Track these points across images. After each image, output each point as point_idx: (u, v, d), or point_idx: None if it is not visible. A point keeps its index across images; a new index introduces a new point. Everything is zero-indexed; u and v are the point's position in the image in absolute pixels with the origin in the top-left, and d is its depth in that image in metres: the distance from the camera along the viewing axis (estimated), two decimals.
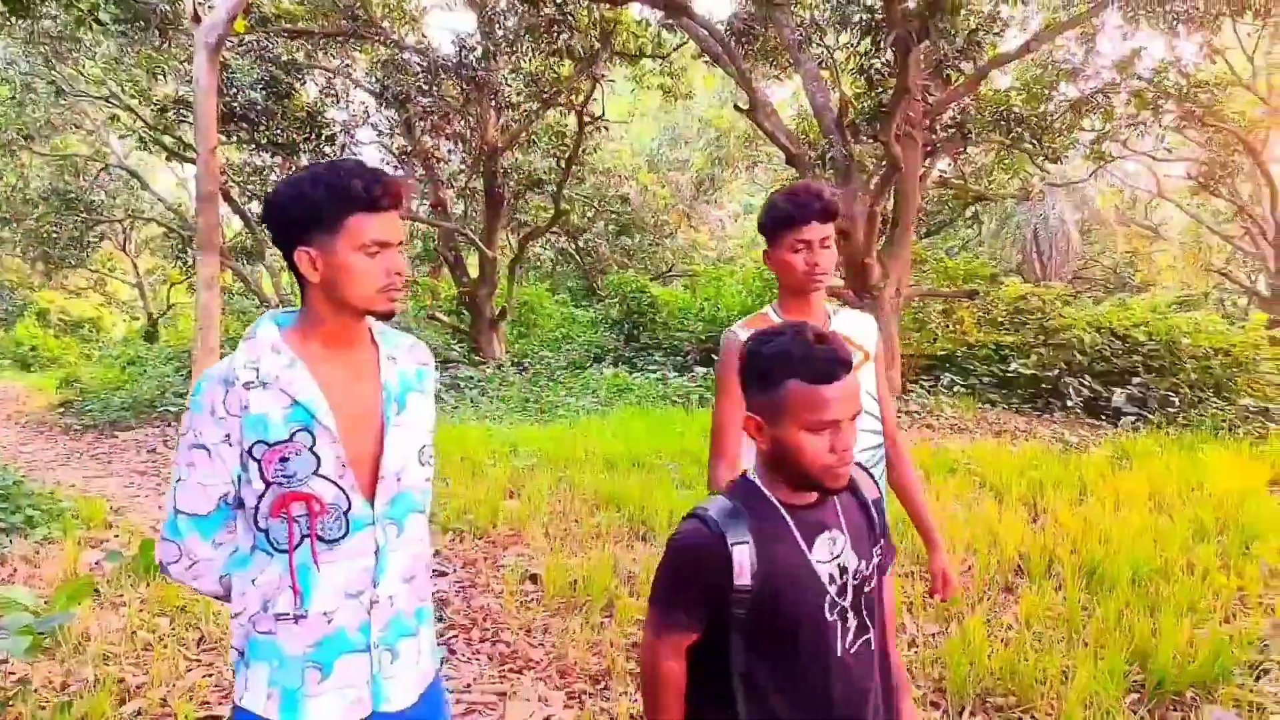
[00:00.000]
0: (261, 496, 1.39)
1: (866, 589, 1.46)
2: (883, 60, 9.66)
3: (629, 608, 3.91)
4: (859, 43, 9.65)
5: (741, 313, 14.47)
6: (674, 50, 14.18)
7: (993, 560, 4.55)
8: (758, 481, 1.46)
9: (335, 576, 1.41)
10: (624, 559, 4.72)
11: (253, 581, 1.42)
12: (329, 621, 1.42)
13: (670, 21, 11.74)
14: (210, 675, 3.35)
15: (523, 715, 3.02)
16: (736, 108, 10.83)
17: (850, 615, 1.42)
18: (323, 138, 14.81)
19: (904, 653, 3.51)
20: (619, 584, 4.28)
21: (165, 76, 13.99)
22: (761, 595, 1.37)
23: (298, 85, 14.33)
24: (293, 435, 1.38)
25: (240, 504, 1.43)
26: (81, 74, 16.25)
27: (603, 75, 13.77)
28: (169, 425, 11.26)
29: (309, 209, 1.38)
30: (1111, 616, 3.66)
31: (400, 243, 1.46)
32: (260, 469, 1.38)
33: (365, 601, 1.44)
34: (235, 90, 12.93)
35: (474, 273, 15.75)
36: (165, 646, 3.55)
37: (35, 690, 3.03)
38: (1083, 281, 30.10)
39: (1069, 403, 10.11)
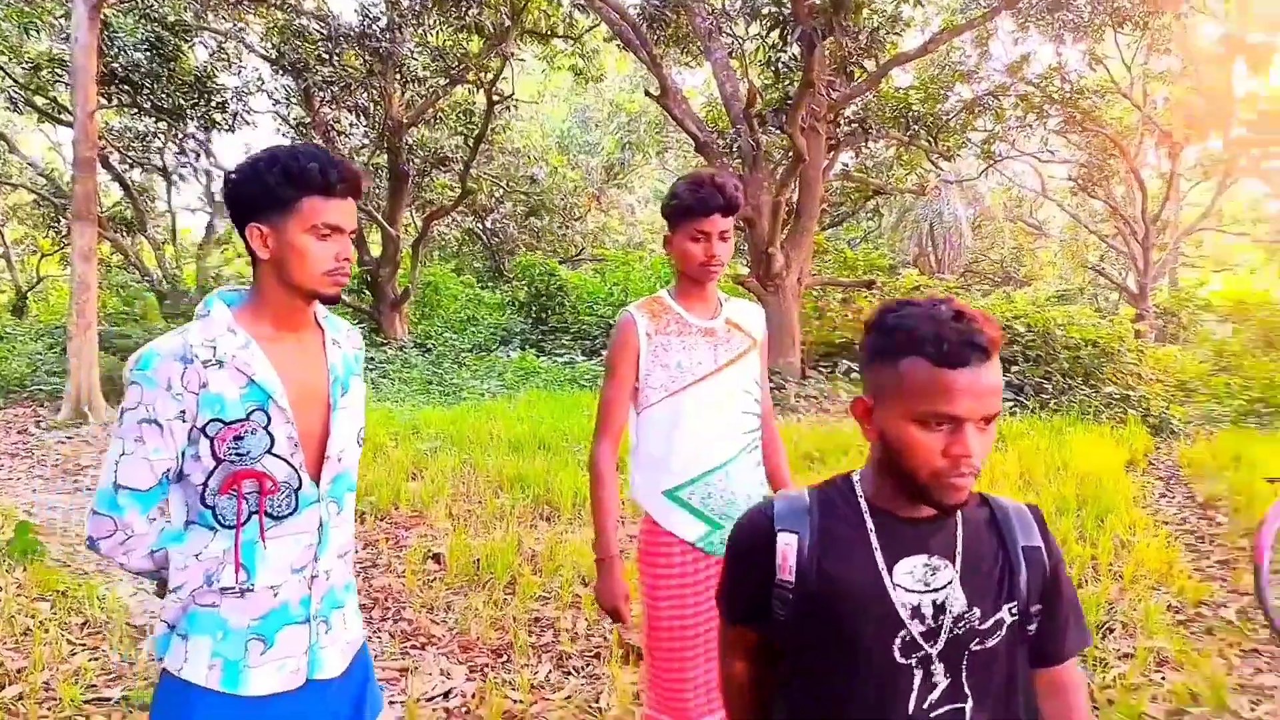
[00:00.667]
0: (211, 473, 1.40)
1: (975, 646, 1.15)
2: (789, 54, 9.92)
3: (531, 584, 3.97)
4: (767, 35, 9.88)
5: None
6: (586, 32, 14.14)
7: None
8: (855, 480, 1.24)
9: (282, 552, 1.45)
10: (528, 538, 4.78)
11: (196, 556, 1.42)
12: (275, 595, 1.45)
13: (582, 2, 11.71)
14: (96, 659, 3.24)
15: (425, 688, 3.05)
16: (647, 93, 10.92)
17: (937, 669, 1.15)
18: (212, 104, 14.12)
19: None
20: (522, 562, 4.34)
21: (39, 33, 13.02)
22: (810, 599, 1.18)
23: (185, 48, 13.60)
24: (249, 414, 1.40)
25: (179, 479, 1.43)
26: None
27: (512, 53, 13.60)
28: (40, 405, 10.61)
29: (264, 187, 1.41)
30: None
31: (352, 231, 1.48)
32: (212, 446, 1.39)
33: (307, 576, 1.48)
34: (117, 50, 12.19)
35: (376, 251, 15.35)
36: (46, 631, 3.41)
37: None
38: (974, 275, 31.69)
39: None
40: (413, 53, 13.79)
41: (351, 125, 15.42)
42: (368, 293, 15.42)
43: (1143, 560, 4.58)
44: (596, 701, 3.03)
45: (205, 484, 1.40)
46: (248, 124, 15.23)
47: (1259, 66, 22.00)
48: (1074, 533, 4.94)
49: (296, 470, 1.44)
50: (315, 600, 1.48)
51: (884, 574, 1.15)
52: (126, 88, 12.81)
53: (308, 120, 14.73)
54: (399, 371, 12.16)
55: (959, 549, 1.17)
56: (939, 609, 1.15)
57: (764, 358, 2.27)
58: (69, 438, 8.75)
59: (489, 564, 4.18)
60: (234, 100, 14.42)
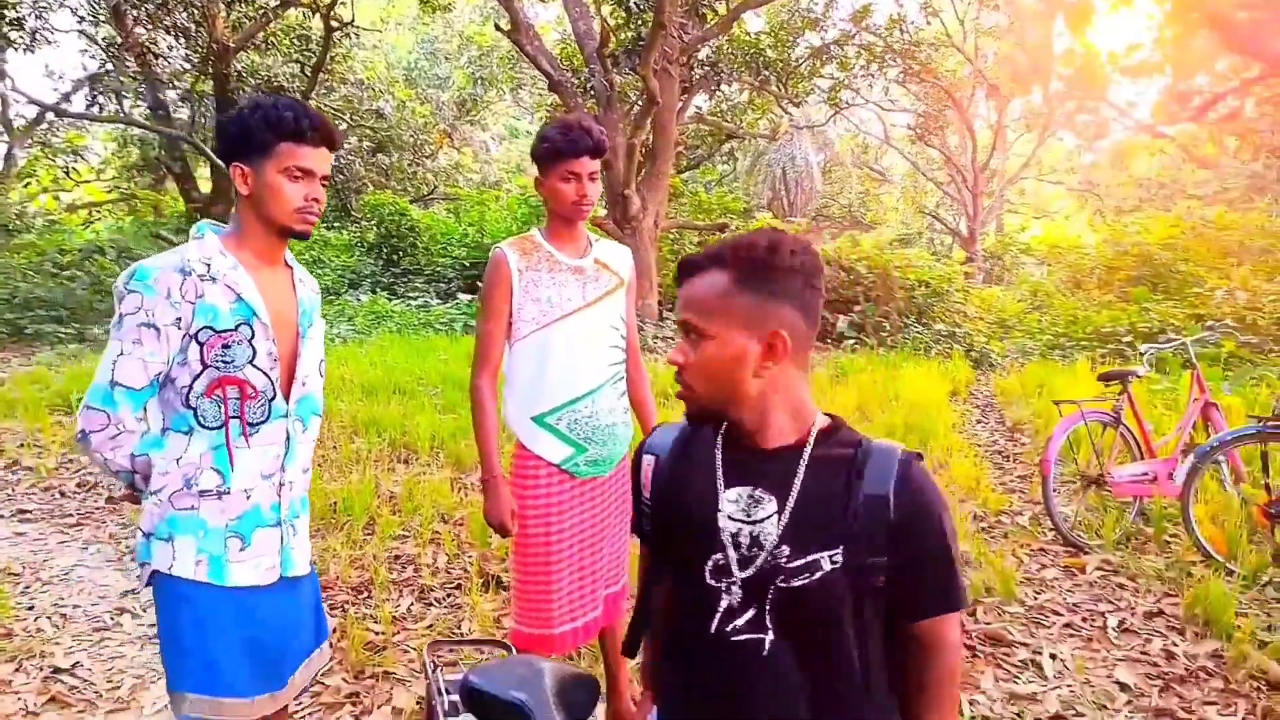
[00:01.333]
0: (197, 377, 1.57)
1: (780, 583, 1.15)
2: None
3: (390, 524, 4.01)
4: None
5: (507, 237, 14.49)
6: None
7: None
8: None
9: (254, 459, 1.64)
10: (386, 480, 4.78)
11: (176, 461, 1.59)
12: (248, 498, 1.64)
13: None
14: None
15: None
16: (497, 27, 10.62)
17: (739, 594, 1.17)
18: (6, 20, 12.55)
19: None
20: (380, 503, 4.35)
21: None
22: (660, 514, 1.29)
23: None
24: (237, 326, 1.59)
25: (165, 384, 1.59)
26: None
27: None
28: None
29: (245, 131, 1.60)
30: None
31: (324, 177, 1.67)
32: (201, 352, 1.56)
33: (275, 483, 1.68)
34: None
35: (205, 188, 14.30)
36: None
37: None
38: (824, 219, 33.10)
39: None
40: None
41: (170, 48, 14.13)
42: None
43: (954, 478, 5.13)
44: (459, 628, 3.15)
45: (190, 387, 1.57)
46: (49, 43, 13.63)
47: (1076, 25, 23.91)
48: None
49: (273, 383, 1.63)
50: (284, 506, 1.69)
51: (718, 499, 1.20)
52: None
53: (120, 41, 13.37)
54: None
55: (795, 486, 1.16)
56: (754, 540, 1.17)
57: (631, 296, 2.42)
58: None
59: (346, 507, 4.16)
60: (32, 16, 12.85)
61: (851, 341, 10.71)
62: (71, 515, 4.63)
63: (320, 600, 1.85)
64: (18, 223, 15.67)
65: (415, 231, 14.88)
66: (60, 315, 11.26)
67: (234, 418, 1.60)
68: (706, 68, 11.81)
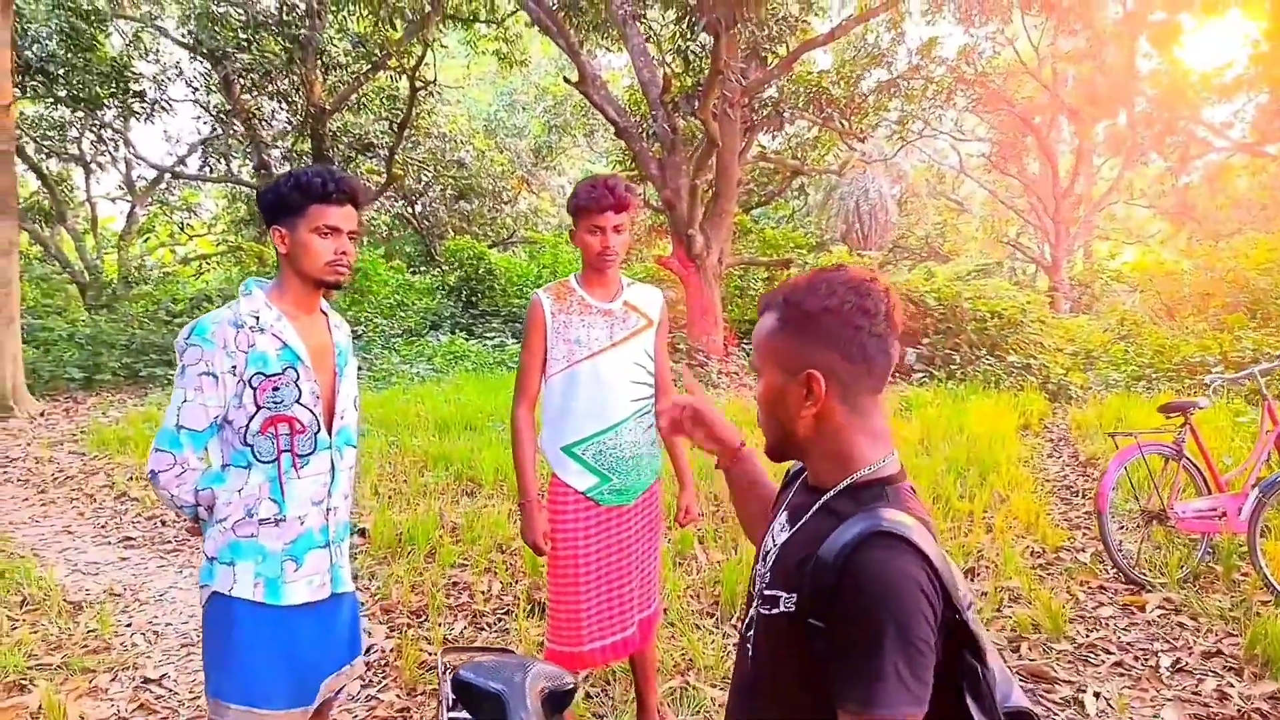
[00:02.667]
0: (252, 418, 1.78)
1: (759, 606, 1.21)
2: (698, 42, 10.21)
3: (450, 553, 4.23)
4: (676, 24, 10.15)
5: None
6: (508, 16, 14.19)
7: None
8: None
9: (305, 488, 1.85)
10: (450, 511, 5.03)
11: (237, 492, 1.80)
12: (301, 524, 1.84)
13: None
14: (35, 631, 3.41)
15: None
16: (566, 80, 11.08)
17: (755, 601, 1.24)
18: (130, 93, 13.81)
19: (692, 577, 4.05)
20: (443, 533, 4.59)
21: None
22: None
23: (101, 36, 13.23)
24: (284, 370, 1.80)
25: (224, 425, 1.79)
26: None
27: (434, 39, 13.59)
28: None
29: (280, 197, 1.82)
30: None
31: (352, 232, 1.87)
32: (255, 395, 1.77)
33: (324, 509, 1.89)
34: (30, 40, 11.84)
35: None
36: None
37: None
38: (901, 250, 32.64)
39: None
40: (332, 39, 13.68)
41: (273, 113, 15.22)
42: None
43: (1014, 512, 5.05)
44: None
45: (246, 426, 1.78)
46: (167, 112, 14.91)
47: (1162, 44, 23.15)
48: (956, 490, 5.40)
49: (317, 418, 1.85)
50: (331, 528, 1.90)
51: (773, 517, 1.30)
52: (42, 78, 12.44)
53: (228, 108, 14.49)
54: None
55: (801, 522, 1.19)
56: (766, 557, 1.23)
57: (662, 335, 2.59)
58: None
59: (410, 536, 4.42)
60: (152, 88, 14.11)
61: (920, 375, 10.56)
62: (170, 542, 5.04)
63: (357, 618, 2.05)
64: (136, 274, 16.95)
65: (493, 274, 15.44)
66: (171, 359, 12.12)
67: (285, 451, 1.80)
68: (769, 107, 11.99)
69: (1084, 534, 4.95)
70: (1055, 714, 2.90)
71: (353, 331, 10.66)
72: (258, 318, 1.81)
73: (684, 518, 2.67)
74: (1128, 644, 3.44)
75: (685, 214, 10.50)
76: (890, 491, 1.15)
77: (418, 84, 14.17)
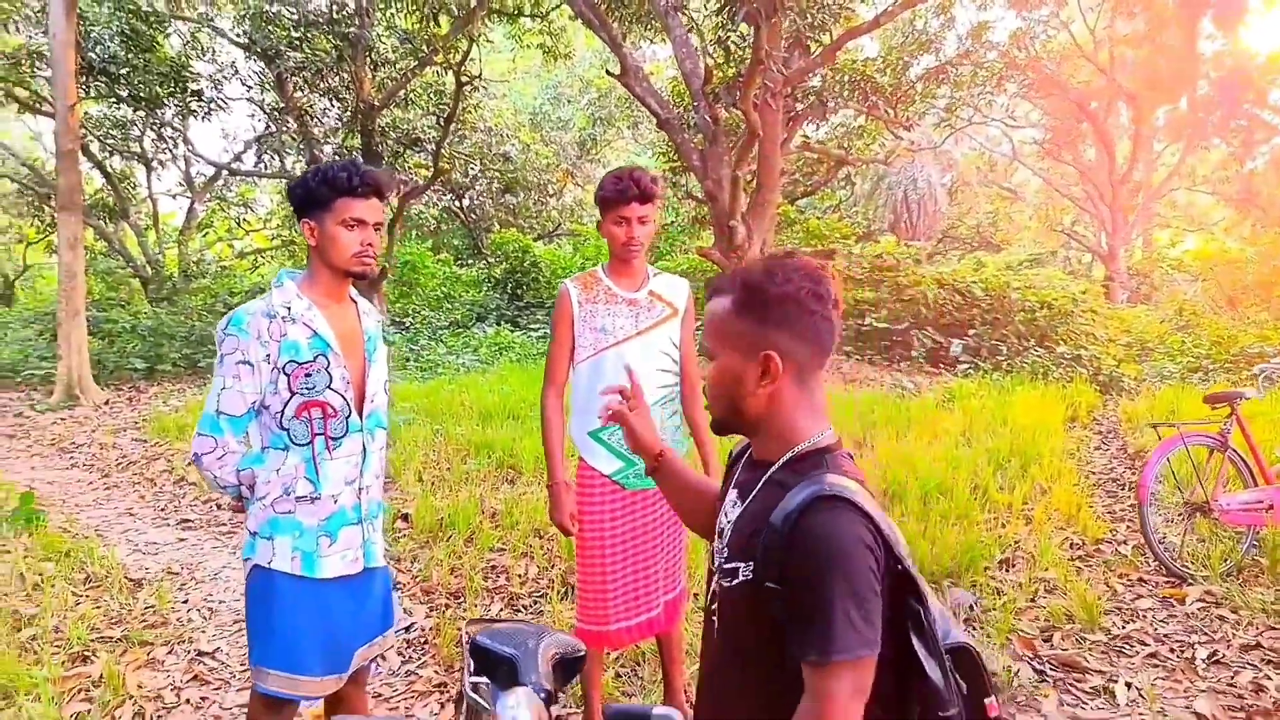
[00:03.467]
0: (287, 403, 1.90)
1: (719, 579, 1.30)
2: (739, 33, 10.17)
3: (489, 537, 4.35)
4: (716, 14, 10.12)
5: None
6: (553, 9, 14.28)
7: None
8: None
9: (338, 468, 1.96)
10: (490, 498, 5.16)
11: (276, 472, 1.92)
12: (335, 502, 1.96)
13: None
14: (99, 606, 3.62)
15: None
16: (608, 72, 11.13)
17: (713, 578, 1.34)
18: (188, 92, 14.25)
19: None
20: (483, 519, 4.72)
21: (17, 26, 13.13)
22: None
23: (160, 37, 13.68)
24: (315, 358, 1.92)
25: (261, 410, 1.92)
26: None
27: (479, 34, 13.75)
28: (34, 389, 10.89)
29: (309, 192, 1.92)
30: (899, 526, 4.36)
31: (378, 224, 1.97)
32: (289, 381, 1.90)
33: (356, 488, 2.00)
34: (93, 42, 12.30)
35: None
36: (53, 584, 3.78)
37: None
38: (952, 240, 32.04)
39: (914, 353, 11.08)
40: (381, 37, 13.92)
41: (325, 110, 15.56)
42: None
43: (1055, 504, 4.99)
44: None
45: (282, 411, 1.90)
46: (222, 109, 15.35)
47: (1226, 26, 22.30)
48: (996, 482, 5.35)
49: (347, 402, 1.96)
50: (364, 506, 2.02)
51: (724, 497, 1.39)
52: (104, 78, 12.91)
53: (282, 105, 14.87)
54: None
55: (751, 496, 1.28)
56: (722, 536, 1.32)
57: (688, 324, 2.65)
58: (62, 419, 9.05)
59: (451, 521, 4.55)
60: (209, 87, 14.54)
61: (966, 366, 10.41)
62: (225, 525, 5.26)
63: (390, 592, 2.15)
64: (195, 269, 17.50)
65: (538, 267, 15.61)
66: None
67: (319, 434, 1.92)
68: (812, 97, 11.88)
69: (1127, 527, 4.87)
70: (1085, 704, 2.89)
71: (401, 323, 11.04)
72: (289, 308, 1.92)
73: None
74: (1164, 636, 3.40)
75: (727, 205, 10.48)
76: (829, 459, 1.25)
77: (463, 79, 14.34)
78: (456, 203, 20.33)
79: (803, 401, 1.27)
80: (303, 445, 1.92)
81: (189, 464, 6.74)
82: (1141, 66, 21.20)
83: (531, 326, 13.63)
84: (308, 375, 1.89)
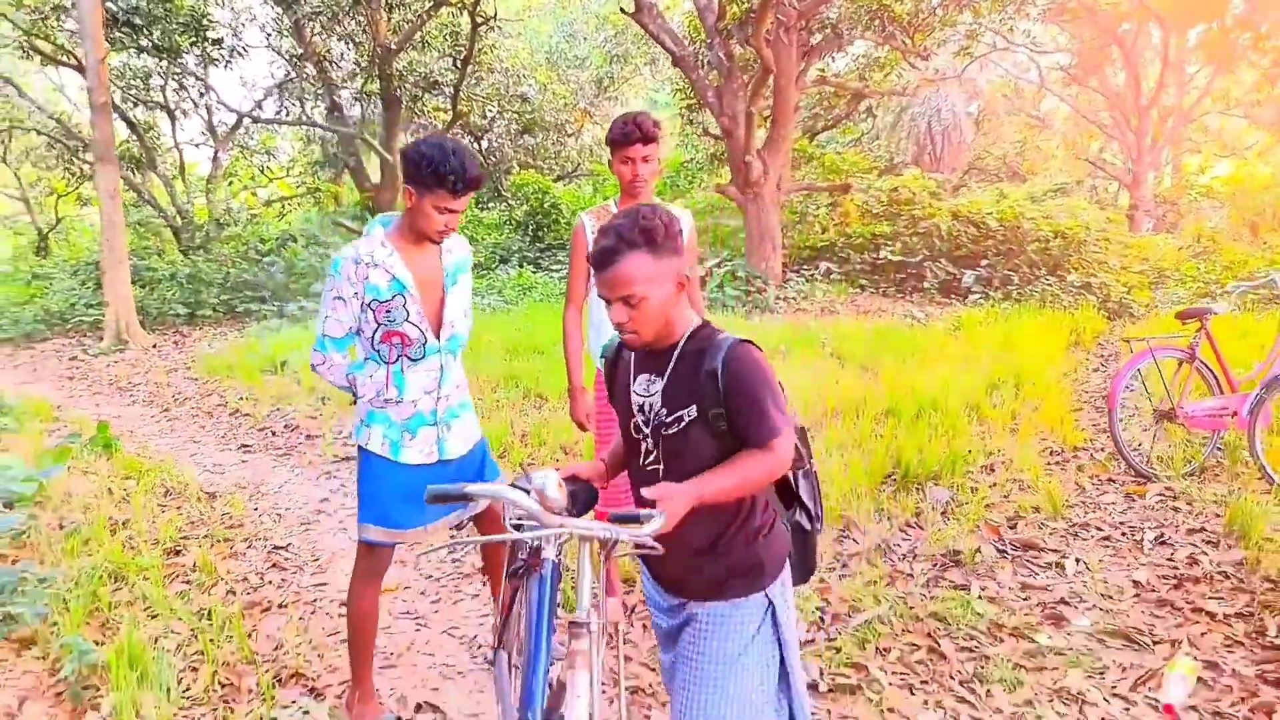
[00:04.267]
0: (375, 331, 2.36)
1: (665, 432, 1.74)
2: None
3: (519, 453, 4.84)
4: None
5: None
6: None
7: (818, 407, 5.63)
8: None
9: (417, 380, 2.43)
10: (519, 422, 5.64)
11: (370, 378, 2.41)
12: (414, 406, 2.43)
13: None
14: (181, 512, 4.16)
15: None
16: (622, 10, 11.25)
17: (649, 441, 1.78)
18: (208, 40, 14.53)
19: None
20: (514, 439, 5.20)
21: None
22: (612, 395, 1.94)
23: None
24: (393, 297, 2.33)
25: (358, 333, 2.40)
26: None
27: None
28: (84, 335, 11.51)
29: (418, 169, 2.24)
30: (890, 438, 4.78)
31: (462, 210, 2.36)
32: (374, 315, 2.34)
33: (434, 396, 2.46)
34: None
35: (376, 177, 15.89)
36: (139, 497, 4.32)
37: (39, 530, 3.77)
38: (978, 171, 31.65)
39: (926, 284, 11.34)
40: None
41: (342, 55, 15.75)
42: (370, 217, 16.01)
43: (1042, 419, 5.37)
44: None
45: (371, 337, 2.36)
46: (242, 57, 15.63)
47: None
48: (989, 400, 5.73)
49: (423, 332, 2.39)
50: (440, 412, 2.47)
51: (630, 384, 1.82)
52: (128, 30, 13.21)
53: (300, 52, 15.10)
54: None
55: (669, 370, 1.74)
56: (650, 408, 1.77)
57: (691, 248, 3.03)
58: (115, 361, 9.67)
59: None
60: (229, 35, 14.78)
61: (978, 296, 10.67)
62: (281, 448, 5.80)
63: (485, 461, 2.63)
64: (226, 217, 17.97)
65: (558, 208, 15.89)
66: (263, 295, 13.08)
67: (400, 355, 2.39)
68: (827, 29, 11.93)
69: (1107, 437, 5.24)
70: (1036, 574, 3.33)
71: None
72: (372, 255, 2.33)
73: None
74: (1120, 524, 3.81)
75: (743, 141, 10.70)
76: (710, 329, 1.77)
77: (478, 19, 14.46)
78: (476, 145, 20.52)
79: (683, 299, 1.75)
80: (389, 362, 2.39)
81: (241, 399, 7.31)
82: None
83: (553, 268, 13.99)
84: (388, 311, 2.32)
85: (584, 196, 16.88)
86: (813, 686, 2.63)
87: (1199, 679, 2.57)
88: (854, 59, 16.59)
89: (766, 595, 1.75)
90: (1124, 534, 3.69)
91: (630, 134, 2.81)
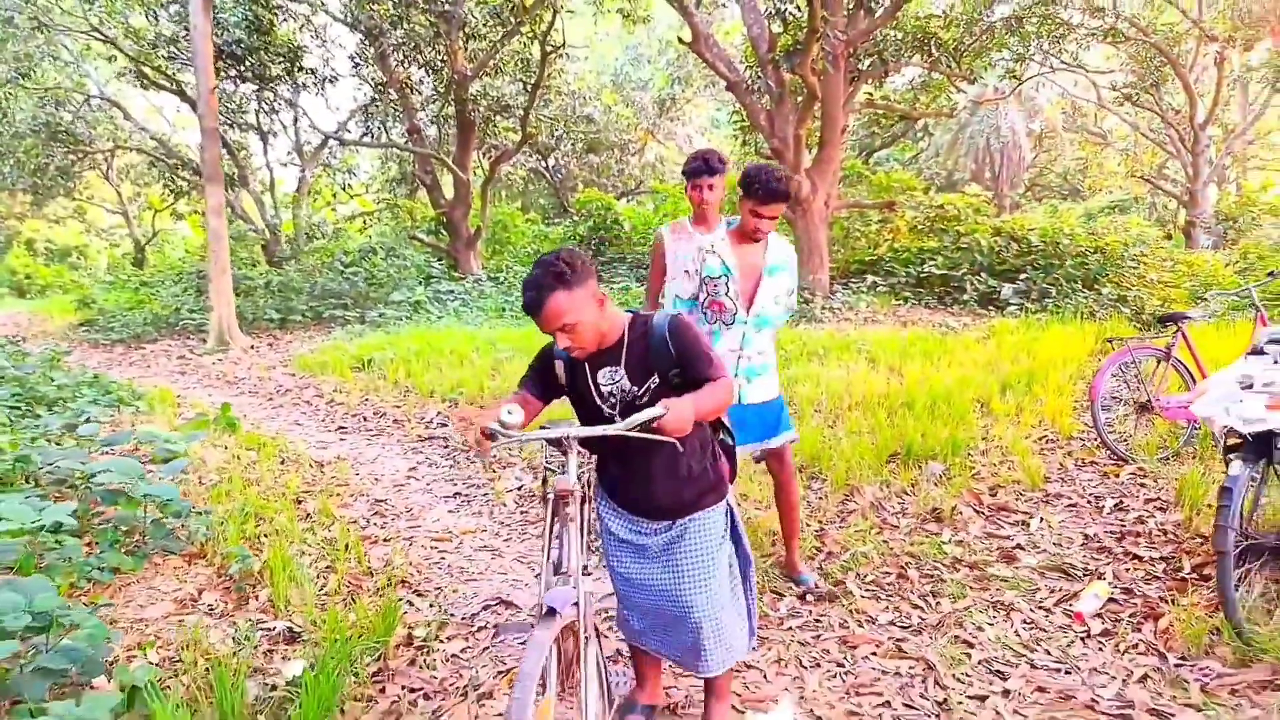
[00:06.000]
0: (704, 300, 3.27)
1: (637, 403, 2.23)
2: (794, 4, 10.98)
3: None
4: None
5: None
6: None
7: (844, 400, 6.31)
8: None
9: (726, 341, 3.28)
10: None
11: (708, 332, 3.30)
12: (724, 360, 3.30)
13: None
14: (298, 474, 5.08)
15: (507, 485, 4.77)
16: (680, 40, 12.09)
17: (620, 416, 2.24)
18: (301, 69, 15.91)
19: None
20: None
21: (155, 15, 14.96)
22: (573, 392, 2.36)
23: (278, 21, 15.29)
24: (719, 276, 3.23)
25: (695, 299, 3.32)
26: (58, 5, 16.99)
27: (562, 6, 14.84)
28: (190, 337, 12.81)
29: (747, 185, 3.23)
30: (901, 425, 5.45)
31: (774, 217, 3.25)
32: (704, 288, 3.25)
33: (735, 356, 3.28)
34: (222, 29, 13.98)
35: (450, 194, 17.02)
36: (263, 463, 5.27)
37: (189, 482, 4.72)
38: (1040, 188, 31.59)
39: (966, 297, 11.85)
40: (472, 11, 15.18)
41: (421, 81, 16.96)
42: (444, 232, 17.15)
43: (1044, 412, 5.95)
44: None
45: (703, 304, 3.27)
46: (331, 84, 17.01)
47: None
48: (1000, 397, 6.33)
49: (736, 306, 3.24)
50: (740, 367, 3.29)
51: (591, 379, 2.28)
52: (232, 61, 14.61)
53: (383, 79, 16.36)
54: (476, 301, 13.96)
55: (624, 358, 2.24)
56: (620, 390, 2.26)
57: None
58: (219, 360, 10.85)
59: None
60: (320, 64, 16.13)
61: (1014, 308, 11.14)
62: (373, 430, 6.74)
63: (779, 415, 3.41)
64: (313, 230, 19.36)
65: (619, 224, 16.79)
66: (346, 303, 14.26)
67: (718, 319, 3.28)
68: (874, 55, 12.57)
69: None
70: (1002, 528, 3.98)
71: (495, 278, 12.60)
72: (713, 246, 3.29)
73: None
74: (1088, 494, 4.42)
75: (792, 161, 11.40)
76: (639, 314, 2.32)
77: (548, 48, 15.49)
78: (543, 164, 21.63)
79: (606, 306, 2.20)
80: (711, 324, 3.29)
81: (334, 390, 8.30)
82: (1231, 5, 20.62)
83: (614, 280, 14.84)
84: (714, 286, 3.24)
85: (645, 213, 17.75)
86: (801, 596, 3.35)
87: (1112, 599, 3.21)
88: (908, 81, 17.15)
89: (727, 502, 2.41)
90: (1088, 502, 4.31)
91: (699, 169, 3.51)
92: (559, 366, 2.37)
